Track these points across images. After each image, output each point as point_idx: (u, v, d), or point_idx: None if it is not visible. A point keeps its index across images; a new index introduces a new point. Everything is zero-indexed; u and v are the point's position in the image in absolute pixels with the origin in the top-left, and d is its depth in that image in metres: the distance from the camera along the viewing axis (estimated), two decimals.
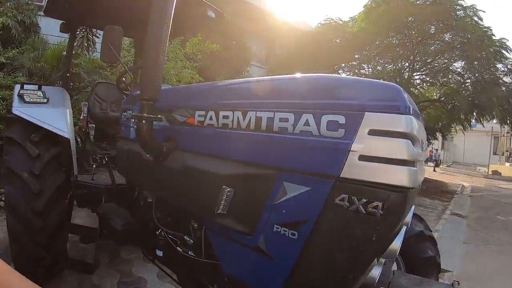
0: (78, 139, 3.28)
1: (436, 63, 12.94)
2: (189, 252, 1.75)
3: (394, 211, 1.00)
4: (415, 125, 1.02)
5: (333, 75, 1.21)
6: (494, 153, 26.25)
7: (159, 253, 2.00)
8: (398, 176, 0.97)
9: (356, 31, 12.41)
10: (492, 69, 11.80)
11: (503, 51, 11.74)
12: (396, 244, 1.24)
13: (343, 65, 13.97)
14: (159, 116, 1.54)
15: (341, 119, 1.04)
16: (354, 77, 1.30)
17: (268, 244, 1.24)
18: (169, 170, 1.62)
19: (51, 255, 2.63)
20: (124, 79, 2.53)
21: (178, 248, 1.81)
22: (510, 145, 26.93)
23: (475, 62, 11.65)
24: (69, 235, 2.95)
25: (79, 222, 3.64)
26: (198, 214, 1.52)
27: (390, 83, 1.09)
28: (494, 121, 14.78)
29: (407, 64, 12.86)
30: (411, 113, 1.00)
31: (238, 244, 1.35)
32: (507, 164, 23.64)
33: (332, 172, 1.05)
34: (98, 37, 7.21)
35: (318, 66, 11.66)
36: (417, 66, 12.71)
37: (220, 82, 1.55)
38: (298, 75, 1.26)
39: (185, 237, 1.76)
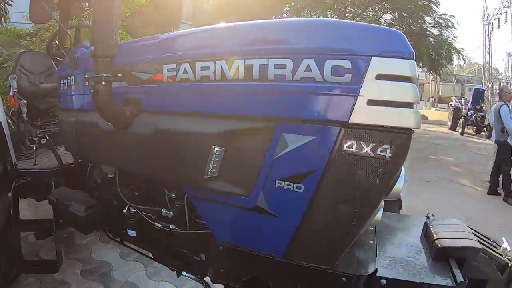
0: (9, 121, 2.78)
1: (367, 14, 13.57)
2: (170, 226, 1.65)
3: (400, 152, 1.01)
4: (417, 70, 1.03)
5: (335, 19, 1.15)
6: (420, 99, 29.33)
7: (131, 232, 1.85)
8: (405, 118, 0.98)
9: None
10: (420, 21, 12.76)
11: (432, 5, 12.70)
12: (400, 183, 1.30)
13: (273, 17, 13.89)
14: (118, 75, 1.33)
15: (347, 64, 0.99)
16: (358, 22, 1.26)
17: (270, 202, 1.19)
18: (137, 138, 1.43)
19: (4, 261, 2.27)
20: (57, 42, 2.15)
21: (156, 224, 1.69)
22: (435, 91, 30.36)
23: (405, 14, 12.49)
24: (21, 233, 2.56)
25: (25, 215, 3.19)
26: (182, 181, 1.39)
27: (395, 30, 1.07)
28: (420, 69, 16.30)
29: (337, 15, 13.23)
30: (414, 58, 1.01)
31: (232, 207, 1.27)
32: (433, 109, 26.76)
33: (340, 118, 1.02)
34: (11, 5, 6.18)
35: (248, 19, 11.37)
36: (348, 18, 13.15)
37: (195, 29, 1.36)
38: (296, 19, 1.18)
39: (162, 210, 1.64)
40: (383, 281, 1.17)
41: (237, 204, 1.26)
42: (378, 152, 1.00)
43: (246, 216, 1.25)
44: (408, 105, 0.99)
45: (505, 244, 1.31)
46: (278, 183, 1.15)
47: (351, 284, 1.18)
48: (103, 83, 1.26)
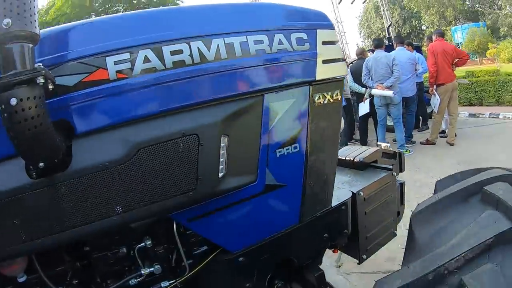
0: None
1: None
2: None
3: (341, 93, 1.48)
4: None
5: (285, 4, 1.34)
6: None
7: None
8: (341, 69, 1.46)
9: None
10: None
11: None
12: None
13: None
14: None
15: (304, 36, 1.30)
16: (301, 6, 1.49)
17: (277, 175, 1.26)
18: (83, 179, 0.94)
19: None
20: None
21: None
22: None
23: None
24: None
25: None
26: (175, 205, 1.06)
27: (322, 12, 1.45)
28: None
29: None
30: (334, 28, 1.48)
31: (244, 203, 1.22)
32: None
33: (310, 78, 1.32)
34: None
35: None
36: None
37: (154, 9, 1.06)
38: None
39: (141, 272, 1.18)
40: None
41: (248, 196, 1.22)
42: (334, 97, 1.42)
43: (259, 203, 1.24)
44: (341, 60, 1.45)
45: (383, 145, 2.16)
46: (279, 151, 1.27)
47: None
48: (38, 81, 0.75)
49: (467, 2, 28.38)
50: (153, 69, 1.02)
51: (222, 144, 1.10)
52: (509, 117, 7.47)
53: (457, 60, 5.96)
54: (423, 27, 34.60)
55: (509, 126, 6.95)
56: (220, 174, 1.10)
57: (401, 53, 6.23)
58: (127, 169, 0.96)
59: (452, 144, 5.98)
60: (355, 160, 2.05)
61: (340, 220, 1.58)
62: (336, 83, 1.42)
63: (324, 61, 1.35)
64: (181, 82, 1.05)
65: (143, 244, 1.17)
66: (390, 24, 14.82)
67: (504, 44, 14.84)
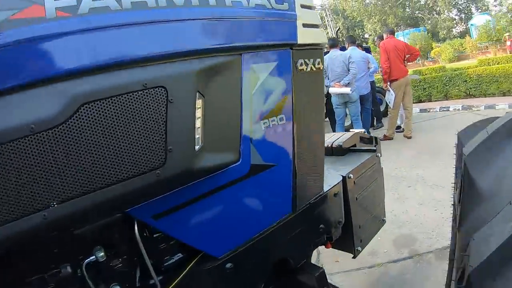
0: None
1: None
2: None
3: (322, 62, 1.30)
4: None
5: None
6: None
7: None
8: (321, 37, 1.29)
9: None
10: None
11: None
12: None
13: None
14: None
15: None
16: None
17: (263, 152, 1.05)
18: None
19: None
20: None
21: None
22: None
23: None
24: None
25: None
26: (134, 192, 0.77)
27: None
28: None
29: None
30: None
31: (227, 189, 0.98)
32: None
33: (291, 40, 1.13)
34: None
35: None
36: None
37: None
38: None
39: None
40: None
41: (230, 180, 0.98)
42: (316, 66, 1.24)
43: (245, 189, 1.01)
44: (319, 26, 1.28)
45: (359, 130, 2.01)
46: (264, 123, 1.06)
47: None
48: None
49: (407, 9, 30.55)
50: (106, 8, 0.75)
51: (197, 107, 0.85)
52: (458, 108, 7.93)
53: (408, 56, 6.20)
54: (366, 35, 36.71)
55: (459, 116, 7.38)
56: (197, 147, 0.85)
57: (354, 52, 6.35)
58: (63, 134, 0.67)
59: (409, 138, 6.14)
60: (333, 145, 1.89)
61: (334, 208, 1.39)
62: (317, 50, 1.26)
63: (304, 25, 1.19)
64: (141, 28, 0.80)
65: (93, 257, 0.84)
66: (338, 29, 15.42)
67: (445, 46, 16.15)
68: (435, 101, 9.62)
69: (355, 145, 1.95)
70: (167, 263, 0.99)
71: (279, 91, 1.10)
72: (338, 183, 1.44)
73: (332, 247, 1.65)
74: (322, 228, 1.28)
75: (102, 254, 0.85)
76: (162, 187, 0.82)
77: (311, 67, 1.21)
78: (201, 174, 0.88)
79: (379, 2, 25.85)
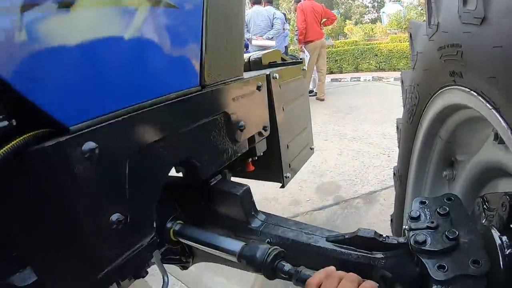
0: None
1: None
2: None
3: None
4: None
5: None
6: None
7: None
8: None
9: None
10: None
11: None
12: None
13: None
14: None
15: None
16: None
17: None
18: None
19: None
20: None
21: None
22: None
23: None
24: None
25: None
26: None
27: None
28: None
29: None
30: None
31: None
32: None
33: None
34: None
35: None
36: None
37: None
38: None
39: None
40: None
41: None
42: None
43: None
44: None
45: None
46: None
47: None
48: None
49: None
50: None
51: None
52: (369, 79, 8.38)
53: (325, 20, 6.20)
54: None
55: (369, 85, 7.81)
56: None
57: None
58: None
59: (322, 100, 6.19)
60: (250, 59, 1.50)
61: (257, 104, 1.00)
62: None
63: None
64: None
65: None
66: None
67: (356, 29, 17.11)
68: (346, 73, 10.09)
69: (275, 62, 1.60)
70: None
71: None
72: (262, 75, 1.05)
73: (256, 177, 1.29)
74: (242, 127, 0.88)
75: None
76: None
77: None
78: None
79: None
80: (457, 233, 0.58)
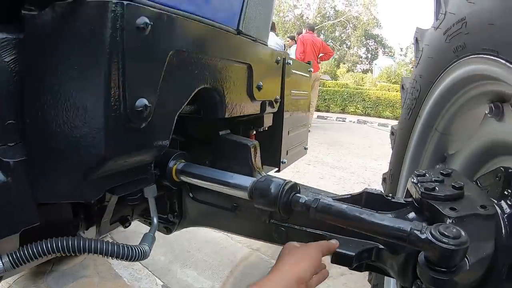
0: None
1: None
2: None
3: None
4: None
5: None
6: None
7: None
8: None
9: None
10: None
11: None
12: None
13: None
14: None
15: None
16: None
17: None
18: None
19: None
20: None
21: None
22: None
23: None
24: None
25: None
26: None
27: None
28: None
29: None
30: None
31: None
32: None
33: None
34: None
35: None
36: None
37: None
38: None
39: None
40: None
41: None
42: None
43: None
44: None
45: None
46: None
47: None
48: None
49: (322, 36, 33.39)
50: None
51: None
52: (354, 121, 8.71)
53: (322, 54, 6.50)
54: None
55: (353, 126, 8.10)
56: None
57: (271, 36, 6.39)
58: None
59: (308, 131, 6.39)
60: None
61: (274, 73, 1.06)
62: None
63: None
64: None
65: None
66: None
67: (348, 76, 17.98)
68: (332, 112, 10.44)
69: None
70: None
71: None
72: (280, 53, 1.10)
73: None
74: (260, 86, 0.91)
75: None
76: None
77: None
78: None
79: (297, 22, 27.76)
80: (462, 183, 0.61)
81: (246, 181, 0.71)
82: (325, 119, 9.14)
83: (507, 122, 0.69)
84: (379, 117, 9.68)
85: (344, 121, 8.81)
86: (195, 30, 0.67)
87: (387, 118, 9.55)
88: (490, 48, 0.61)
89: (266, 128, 1.12)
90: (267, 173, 1.36)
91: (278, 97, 1.08)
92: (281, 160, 1.26)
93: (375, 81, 15.62)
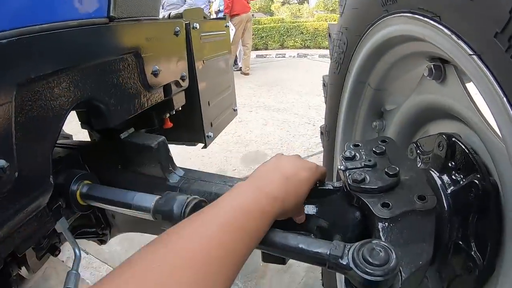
0: None
1: None
2: None
3: None
4: None
5: None
6: None
7: None
8: None
9: None
10: None
11: None
12: None
13: None
14: None
15: None
16: None
17: None
18: None
19: None
20: None
21: None
22: None
23: None
24: None
25: None
26: None
27: None
28: None
29: None
30: None
31: None
32: None
33: None
34: None
35: None
36: None
37: None
38: None
39: None
40: None
41: None
42: None
43: None
44: None
45: None
46: None
47: None
48: None
49: None
50: None
51: None
52: (294, 56, 8.61)
53: None
54: None
55: (293, 61, 8.03)
56: None
57: None
58: None
59: (247, 74, 6.21)
60: (170, 15, 1.38)
61: (174, 49, 0.92)
62: None
63: None
64: None
65: None
66: None
67: (283, 8, 17.27)
68: (271, 49, 10.24)
69: None
70: None
71: None
72: (180, 21, 0.96)
73: (176, 138, 1.20)
74: (156, 71, 0.79)
75: None
76: None
77: None
78: None
79: None
80: (397, 169, 0.54)
81: (148, 200, 0.62)
82: (264, 57, 8.94)
83: (449, 85, 0.61)
84: (319, 48, 9.66)
85: (284, 57, 8.70)
86: (47, 44, 0.52)
87: (327, 48, 9.54)
88: (431, 10, 0.49)
89: (180, 108, 1.02)
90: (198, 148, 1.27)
91: (184, 73, 0.96)
92: (206, 135, 1.18)
93: (313, 11, 15.33)
